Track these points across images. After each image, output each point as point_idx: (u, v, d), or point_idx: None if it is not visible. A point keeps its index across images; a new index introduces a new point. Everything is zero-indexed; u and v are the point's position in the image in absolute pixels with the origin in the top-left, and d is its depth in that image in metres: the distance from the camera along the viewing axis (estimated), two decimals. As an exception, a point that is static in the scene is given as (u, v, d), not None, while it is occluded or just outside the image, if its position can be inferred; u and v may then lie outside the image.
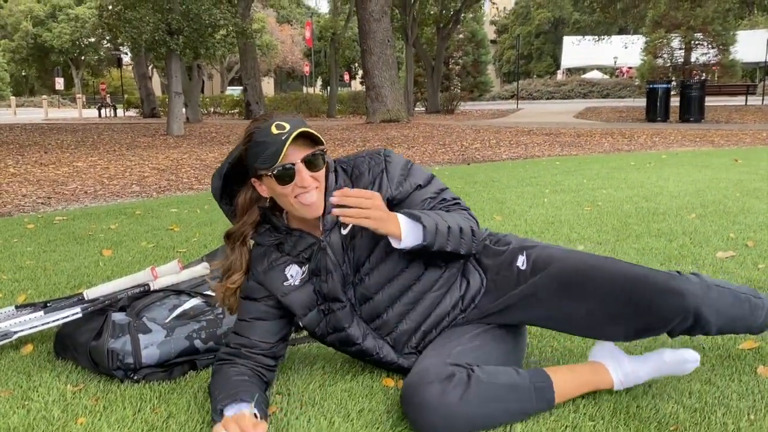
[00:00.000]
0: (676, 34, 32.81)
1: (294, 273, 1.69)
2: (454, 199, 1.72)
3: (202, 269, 2.40)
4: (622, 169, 6.54)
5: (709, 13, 28.02)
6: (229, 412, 1.50)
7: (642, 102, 18.56)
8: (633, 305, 1.54)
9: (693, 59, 33.22)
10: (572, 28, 45.10)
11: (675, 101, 16.17)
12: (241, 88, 39.48)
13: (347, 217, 1.48)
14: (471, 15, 36.77)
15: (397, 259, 1.66)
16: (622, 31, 39.08)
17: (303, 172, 1.54)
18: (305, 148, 1.55)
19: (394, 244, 1.57)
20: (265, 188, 1.61)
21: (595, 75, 43.92)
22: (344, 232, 1.65)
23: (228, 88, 39.52)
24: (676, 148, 9.19)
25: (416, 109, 28.49)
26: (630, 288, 1.54)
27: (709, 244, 3.27)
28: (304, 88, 43.88)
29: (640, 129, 13.05)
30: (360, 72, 36.71)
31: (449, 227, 1.59)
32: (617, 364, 1.66)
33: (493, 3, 34.57)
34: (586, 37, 28.62)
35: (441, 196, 1.71)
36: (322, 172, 1.60)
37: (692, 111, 15.41)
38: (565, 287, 1.61)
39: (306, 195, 1.56)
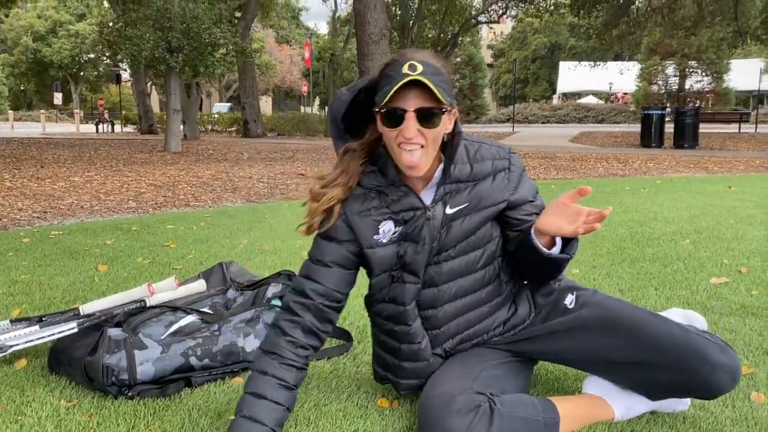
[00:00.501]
0: (671, 62, 33.20)
1: (386, 230, 1.60)
2: None
3: (198, 286, 2.41)
4: (616, 193, 6.59)
5: (704, 42, 28.37)
6: None
7: (637, 128, 18.71)
8: (682, 372, 1.50)
9: (687, 86, 33.59)
10: (568, 53, 45.63)
11: (669, 127, 16.32)
12: (228, 105, 39.72)
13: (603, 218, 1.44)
14: (468, 39, 37.22)
15: (476, 259, 1.65)
16: (617, 57, 39.55)
17: (410, 122, 1.43)
18: (427, 100, 1.44)
19: (547, 249, 1.54)
20: (380, 125, 1.51)
21: (590, 100, 44.28)
22: (449, 211, 1.59)
23: (215, 105, 39.53)
24: (670, 173, 9.26)
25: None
26: (680, 353, 1.50)
27: (703, 269, 3.29)
28: (302, 108, 44.09)
29: (635, 154, 13.15)
30: (358, 93, 36.85)
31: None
32: (617, 399, 1.67)
33: (491, 28, 34.94)
34: (581, 62, 28.94)
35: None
36: (434, 132, 1.48)
37: (686, 137, 15.55)
38: (609, 333, 1.59)
39: (408, 151, 1.46)
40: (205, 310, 2.24)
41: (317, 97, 46.20)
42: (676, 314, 1.83)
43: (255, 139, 21.08)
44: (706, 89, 34.06)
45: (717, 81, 33.44)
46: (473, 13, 28.03)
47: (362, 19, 15.35)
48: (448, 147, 1.57)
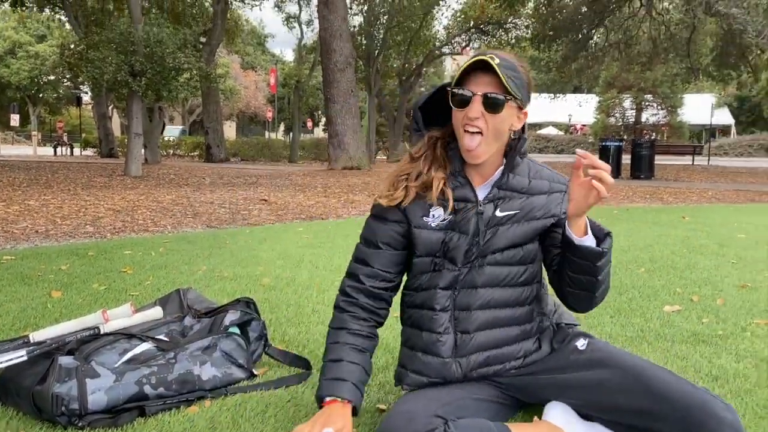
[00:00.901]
0: (628, 95, 34.23)
1: (437, 215, 1.66)
2: None
3: (154, 313, 2.37)
4: (575, 222, 6.71)
5: (658, 77, 29.40)
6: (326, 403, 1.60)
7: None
8: (686, 425, 1.47)
9: (643, 119, 34.63)
10: (529, 85, 46.61)
11: (627, 158, 16.77)
12: (180, 128, 39.26)
13: (597, 164, 1.45)
14: (432, 70, 37.78)
15: (518, 273, 1.68)
16: (576, 90, 40.63)
17: (476, 104, 1.53)
18: (496, 88, 1.54)
19: (578, 236, 1.55)
20: (452, 108, 1.61)
21: (550, 131, 45.32)
22: (499, 213, 1.65)
23: (168, 127, 38.91)
24: (627, 204, 9.49)
25: (378, 157, 28.84)
26: (688, 406, 1.48)
27: (657, 297, 3.38)
28: (267, 134, 43.98)
29: (594, 184, 13.43)
30: (323, 119, 37.06)
31: (610, 263, 1.62)
32: (574, 429, 1.67)
33: (454, 59, 35.58)
34: (542, 94, 29.65)
35: None
36: (497, 120, 1.56)
37: (643, 168, 16.00)
38: (619, 377, 1.58)
39: (470, 134, 1.56)
40: (161, 337, 2.20)
41: (282, 123, 46.19)
42: None
43: (218, 164, 20.92)
44: (661, 122, 35.16)
45: (671, 114, 34.56)
46: (437, 44, 28.59)
47: (328, 48, 15.51)
48: (512, 151, 1.65)
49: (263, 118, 45.16)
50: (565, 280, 1.64)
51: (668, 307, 3.16)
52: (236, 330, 2.27)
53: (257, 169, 18.82)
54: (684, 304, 3.23)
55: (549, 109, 39.14)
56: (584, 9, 19.90)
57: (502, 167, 1.67)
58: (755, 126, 47.81)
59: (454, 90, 1.58)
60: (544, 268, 1.80)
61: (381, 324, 1.76)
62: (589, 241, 1.56)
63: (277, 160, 25.79)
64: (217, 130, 22.65)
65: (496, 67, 1.51)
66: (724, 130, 46.17)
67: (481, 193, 1.67)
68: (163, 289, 3.48)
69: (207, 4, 20.79)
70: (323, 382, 1.63)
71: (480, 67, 1.55)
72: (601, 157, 16.49)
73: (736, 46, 19.62)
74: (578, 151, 1.49)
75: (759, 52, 19.27)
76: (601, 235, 1.57)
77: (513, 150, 1.66)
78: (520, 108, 1.61)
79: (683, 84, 30.02)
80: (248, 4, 24.27)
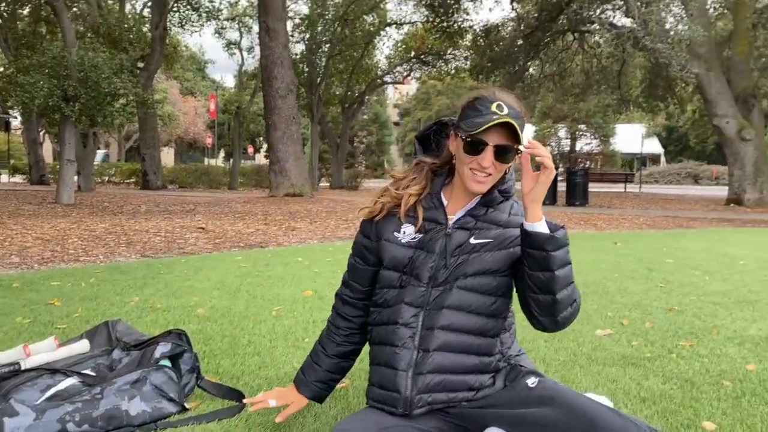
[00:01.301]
0: (563, 125, 35.49)
1: (408, 232, 1.76)
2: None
3: (81, 347, 2.28)
4: (513, 248, 6.85)
5: (591, 107, 30.63)
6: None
7: (533, 186, 19.68)
8: None
9: (578, 148, 35.91)
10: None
11: (563, 186, 17.30)
12: (103, 152, 38.18)
13: (541, 153, 1.54)
14: (375, 98, 38.25)
15: (487, 303, 1.71)
16: (514, 120, 41.76)
17: (489, 155, 1.64)
18: (506, 138, 1.63)
19: (532, 222, 1.58)
20: (455, 146, 1.72)
21: (490, 159, 46.32)
22: (473, 241, 1.71)
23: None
24: (563, 230, 9.75)
25: (321, 184, 28.80)
26: None
27: (589, 322, 3.47)
28: (206, 160, 43.34)
29: (531, 211, 13.77)
30: (264, 145, 36.83)
31: (570, 265, 1.64)
32: None
33: (396, 88, 36.12)
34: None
35: None
36: (506, 167, 1.69)
37: (577, 196, 16.52)
38: (563, 412, 1.59)
39: (479, 178, 1.66)
40: (87, 372, 2.12)
41: (222, 150, 45.62)
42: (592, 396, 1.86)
43: (154, 192, 20.43)
44: (595, 151, 36.56)
45: (604, 144, 36.02)
46: (379, 73, 28.96)
47: (269, 75, 15.49)
48: (494, 186, 1.74)
49: (203, 144, 44.51)
50: (527, 284, 1.65)
51: (600, 331, 3.25)
52: (167, 363, 2.20)
53: (195, 196, 18.47)
54: (615, 328, 3.33)
55: (488, 138, 40.04)
56: (520, 42, 20.59)
57: (478, 197, 1.74)
58: (683, 155, 50.30)
59: (468, 138, 1.65)
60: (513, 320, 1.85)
61: (354, 334, 1.94)
62: (542, 227, 1.60)
63: (216, 187, 25.38)
64: (155, 156, 22.16)
65: (515, 125, 1.61)
66: (654, 159, 48.36)
67: (455, 217, 1.74)
68: (93, 321, 3.35)
69: (145, 29, 20.44)
70: (297, 372, 2.00)
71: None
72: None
73: (663, 79, 20.67)
74: (526, 143, 1.59)
75: (683, 84, 20.33)
76: (556, 230, 1.62)
77: (494, 185, 1.73)
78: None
79: (615, 114, 31.34)
80: (188, 30, 24.00)
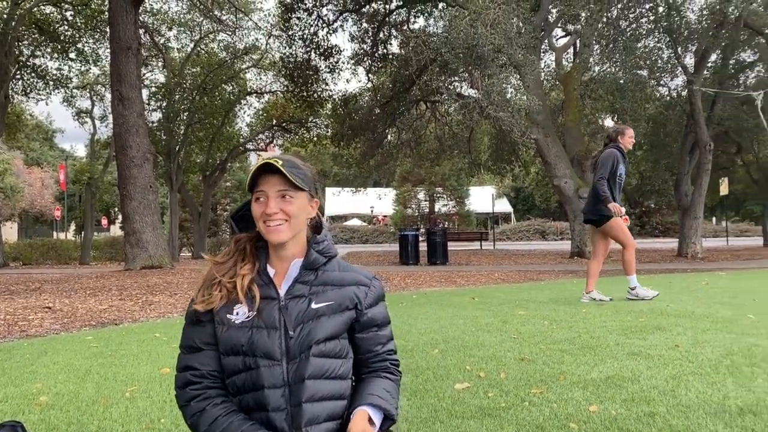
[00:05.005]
0: (421, 188, 37.09)
1: (241, 312, 1.71)
2: (395, 359, 1.85)
3: None
4: (378, 310, 6.96)
5: (446, 171, 32.39)
6: None
7: (396, 247, 20.29)
8: None
9: (437, 209, 37.57)
10: (333, 180, 48.62)
11: (424, 246, 17.95)
12: None
13: None
14: (238, 164, 37.88)
15: (338, 366, 1.72)
16: (377, 184, 43.14)
17: (272, 201, 1.70)
18: (286, 185, 1.70)
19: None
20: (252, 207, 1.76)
21: (355, 222, 47.23)
22: (315, 306, 1.71)
23: None
24: (425, 288, 10.09)
25: (182, 254, 27.69)
26: None
27: (449, 376, 3.60)
28: (55, 234, 40.28)
29: (395, 272, 14.14)
30: (120, 216, 34.92)
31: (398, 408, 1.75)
32: None
33: (259, 155, 36.06)
34: (345, 188, 31.04)
35: (388, 347, 1.83)
36: (293, 209, 1.72)
37: (438, 255, 17.21)
38: None
39: (272, 225, 1.70)
40: None
41: (73, 222, 42.68)
42: None
43: (-7, 271, 18.58)
44: (452, 212, 38.41)
45: (460, 205, 37.99)
46: (241, 140, 28.84)
47: (123, 143, 14.92)
48: (310, 248, 1.78)
49: (51, 217, 41.42)
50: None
51: (459, 385, 3.38)
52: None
53: (42, 273, 17.02)
54: (473, 381, 3.48)
55: (353, 202, 40.98)
56: (377, 110, 21.51)
57: (300, 263, 1.77)
58: (530, 213, 54.39)
59: (250, 192, 1.74)
60: None
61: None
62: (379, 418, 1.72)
63: (66, 263, 23.59)
64: (-7, 231, 20.28)
65: (281, 168, 1.69)
66: (505, 217, 51.69)
67: (283, 289, 1.75)
68: None
69: (-17, 96, 19.07)
70: None
71: (267, 170, 1.72)
72: (401, 246, 17.55)
73: (507, 144, 22.37)
74: None
75: (525, 149, 22.13)
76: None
77: (310, 248, 1.79)
78: (312, 197, 1.80)
79: (468, 177, 33.35)
80: (33, 98, 22.64)
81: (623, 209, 6.84)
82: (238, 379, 1.70)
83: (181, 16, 24.93)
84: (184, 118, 25.22)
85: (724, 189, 21.70)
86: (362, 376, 1.82)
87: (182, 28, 25.18)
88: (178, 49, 26.31)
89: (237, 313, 1.71)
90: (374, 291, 1.83)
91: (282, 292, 1.75)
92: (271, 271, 1.79)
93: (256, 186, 1.74)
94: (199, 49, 25.83)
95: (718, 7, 15.64)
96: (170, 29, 25.13)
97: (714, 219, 44.72)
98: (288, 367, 1.69)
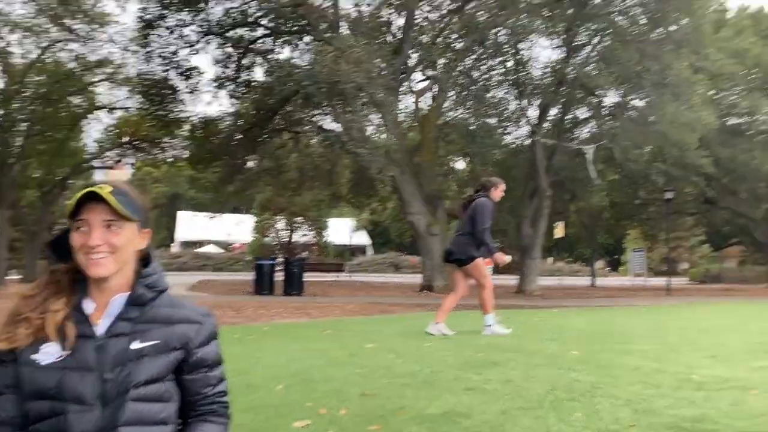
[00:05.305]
0: (281, 217, 36.78)
1: (49, 351, 1.54)
2: (225, 401, 1.75)
3: None
4: (225, 343, 6.75)
5: (307, 202, 32.42)
6: None
7: (252, 276, 19.90)
8: None
9: (295, 239, 37.36)
10: (188, 203, 46.84)
11: (280, 276, 17.75)
12: None
13: None
14: (82, 182, 35.31)
15: (159, 410, 1.59)
16: (236, 210, 42.12)
17: (96, 232, 1.55)
18: (112, 215, 1.56)
19: None
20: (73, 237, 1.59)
21: (211, 249, 45.66)
22: (137, 346, 1.57)
23: None
24: (278, 320, 9.96)
25: (11, 276, 25.22)
26: None
27: (290, 414, 3.55)
28: None
29: (249, 302, 13.80)
30: (-63, 233, 31.10)
31: None
32: None
33: (107, 173, 33.97)
34: (200, 213, 30.04)
35: (218, 388, 1.72)
36: (119, 240, 1.58)
37: (294, 285, 17.11)
38: None
39: (94, 258, 1.55)
40: None
41: None
42: None
43: None
44: (311, 242, 38.39)
45: (319, 235, 38.10)
46: (86, 156, 27.02)
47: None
48: (137, 282, 1.65)
49: None
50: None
51: (299, 423, 3.35)
52: None
53: None
54: (313, 418, 3.47)
55: (208, 228, 39.61)
56: (239, 136, 21.17)
57: (126, 299, 1.63)
58: (386, 246, 55.74)
59: (71, 221, 1.59)
60: None
61: None
62: None
63: None
64: None
65: (105, 196, 1.55)
66: (362, 250, 52.57)
67: (102, 327, 1.60)
68: None
69: None
70: None
71: (92, 197, 1.57)
72: (256, 275, 17.21)
73: (366, 179, 22.90)
74: None
75: (383, 185, 22.78)
76: None
77: (137, 281, 1.65)
78: (142, 227, 1.67)
79: (328, 209, 33.61)
80: None
81: (508, 257, 7.34)
82: (43, 426, 1.54)
83: (26, 20, 23.08)
84: (23, 128, 23.20)
85: (559, 232, 23.65)
86: (188, 420, 1.71)
87: (27, 33, 23.29)
88: (21, 54, 24.26)
89: (44, 353, 1.54)
90: (206, 329, 1.71)
91: (102, 329, 1.60)
92: (90, 305, 1.62)
93: (78, 213, 1.58)
94: (44, 57, 23.99)
95: (558, 66, 17.27)
96: (12, 32, 23.14)
97: (551, 259, 48.54)
98: (103, 414, 1.55)
